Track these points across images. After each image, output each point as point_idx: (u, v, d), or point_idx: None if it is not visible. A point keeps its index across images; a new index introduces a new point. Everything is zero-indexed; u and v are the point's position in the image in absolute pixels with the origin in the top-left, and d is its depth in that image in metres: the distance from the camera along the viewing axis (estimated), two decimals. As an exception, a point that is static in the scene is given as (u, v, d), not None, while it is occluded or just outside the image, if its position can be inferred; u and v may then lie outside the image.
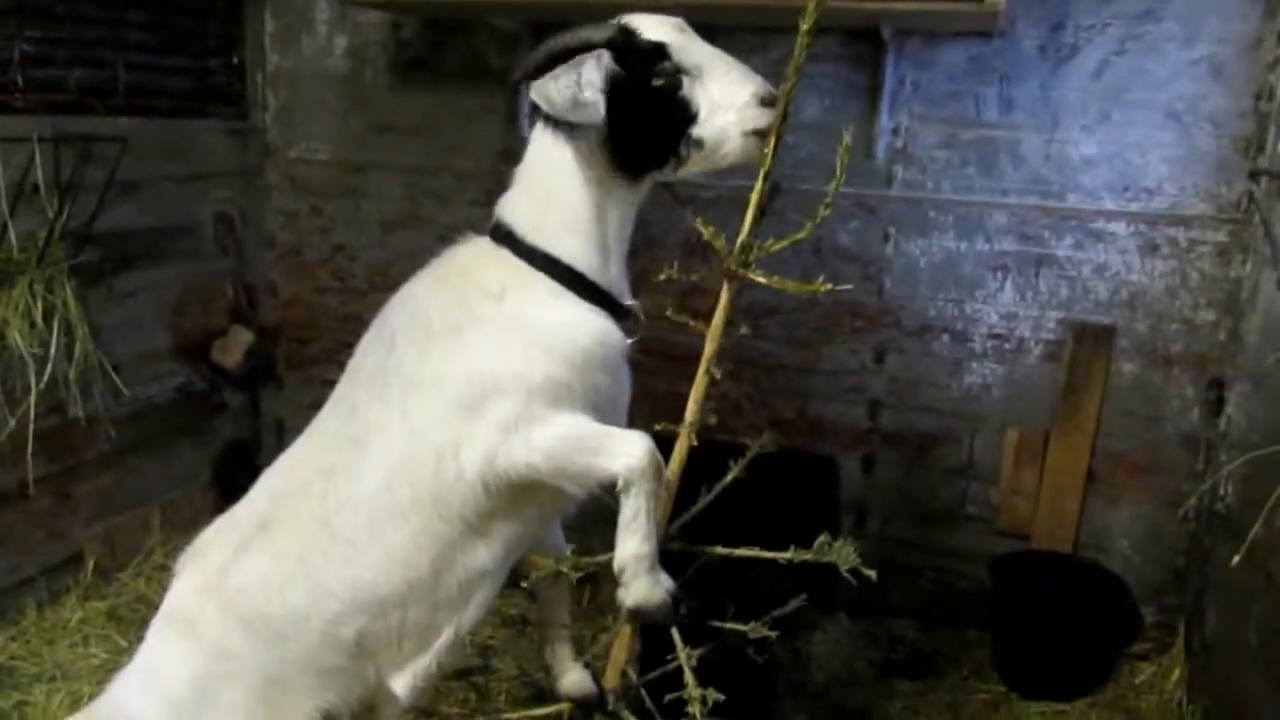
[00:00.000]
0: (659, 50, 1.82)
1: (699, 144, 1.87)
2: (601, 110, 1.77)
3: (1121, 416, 3.66)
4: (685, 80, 1.83)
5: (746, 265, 1.97)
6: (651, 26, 1.85)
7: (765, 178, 1.99)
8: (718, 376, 1.96)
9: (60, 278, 3.47)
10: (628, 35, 1.82)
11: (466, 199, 4.23)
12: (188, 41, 4.07)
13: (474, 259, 1.97)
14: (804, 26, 1.86)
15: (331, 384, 4.53)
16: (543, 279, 1.90)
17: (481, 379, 1.83)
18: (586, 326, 1.89)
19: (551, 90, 1.75)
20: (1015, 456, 3.76)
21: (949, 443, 3.85)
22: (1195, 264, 3.52)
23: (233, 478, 4.49)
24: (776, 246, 1.97)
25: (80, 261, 3.55)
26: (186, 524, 4.23)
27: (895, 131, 3.72)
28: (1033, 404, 3.74)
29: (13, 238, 3.25)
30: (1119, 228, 3.58)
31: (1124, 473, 3.68)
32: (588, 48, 1.79)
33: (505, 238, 1.95)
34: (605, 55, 1.79)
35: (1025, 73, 3.57)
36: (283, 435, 4.70)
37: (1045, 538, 3.74)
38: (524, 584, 2.07)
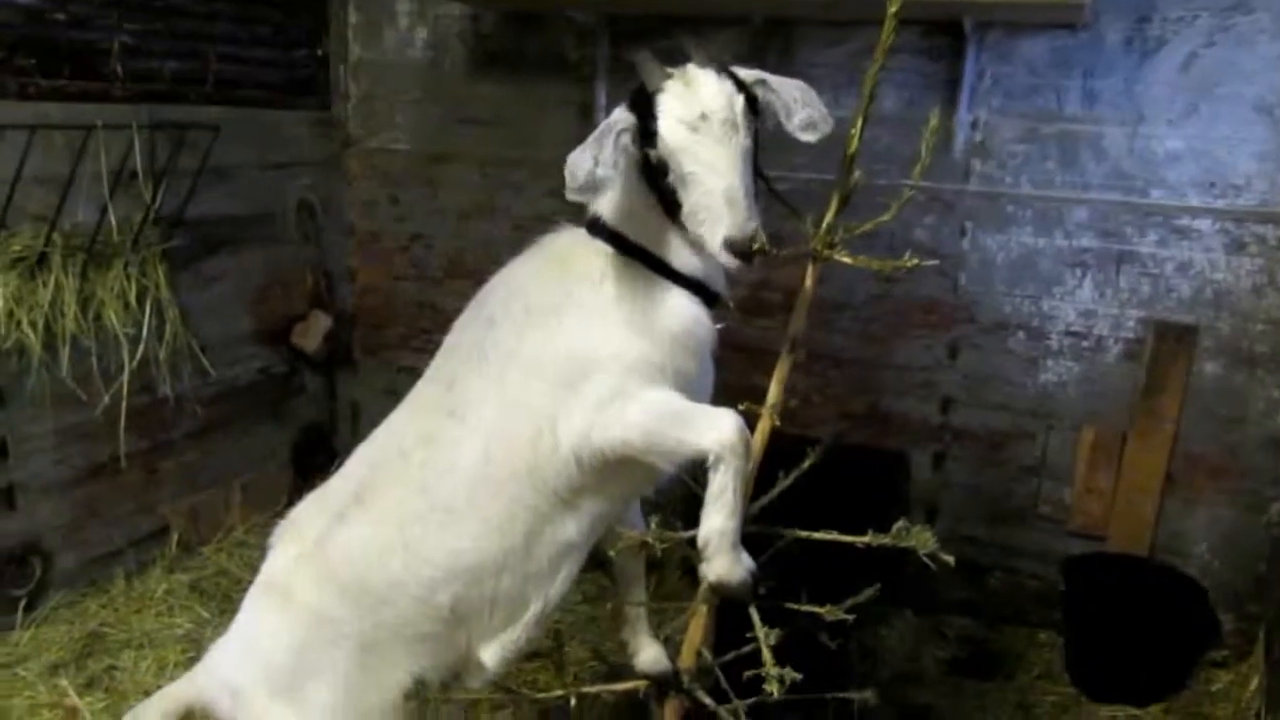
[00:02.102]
0: (652, 139, 1.80)
1: (685, 229, 1.87)
2: (613, 185, 1.78)
3: (1202, 418, 3.58)
4: (672, 176, 1.81)
5: (831, 247, 1.99)
6: (669, 106, 1.79)
7: (851, 161, 2.00)
8: (801, 358, 1.98)
9: (153, 261, 3.61)
10: (646, 115, 1.80)
11: (542, 190, 4.29)
12: (274, 34, 4.20)
13: (573, 247, 2.02)
14: (891, 9, 1.86)
15: (406, 369, 4.68)
16: (638, 267, 1.95)
17: (580, 358, 1.88)
18: (680, 312, 1.93)
19: (576, 166, 1.77)
20: (1091, 456, 3.70)
21: (1022, 440, 3.80)
22: (1284, 262, 3.44)
23: (309, 459, 4.63)
24: (861, 229, 1.99)
25: (172, 246, 3.68)
26: (265, 502, 4.38)
27: (974, 125, 3.68)
28: (1110, 403, 3.68)
29: (113, 220, 3.39)
30: (1204, 225, 3.50)
31: (1203, 475, 3.60)
32: (642, 100, 1.82)
33: (601, 229, 1.99)
34: (631, 129, 1.80)
35: (1109, 66, 3.51)
36: (357, 418, 4.82)
37: (1120, 540, 3.68)
38: (611, 553, 2.11)
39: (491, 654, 2.02)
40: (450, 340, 2.11)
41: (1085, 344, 3.69)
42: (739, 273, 1.85)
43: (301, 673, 1.93)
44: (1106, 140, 3.56)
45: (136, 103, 3.53)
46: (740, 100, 1.81)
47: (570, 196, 1.81)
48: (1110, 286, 3.63)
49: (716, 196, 1.76)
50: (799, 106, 1.91)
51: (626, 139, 1.80)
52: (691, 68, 1.83)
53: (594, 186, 1.76)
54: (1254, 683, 3.41)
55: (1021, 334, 3.75)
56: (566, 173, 1.80)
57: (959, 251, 3.77)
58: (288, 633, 1.95)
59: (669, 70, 1.83)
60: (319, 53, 4.41)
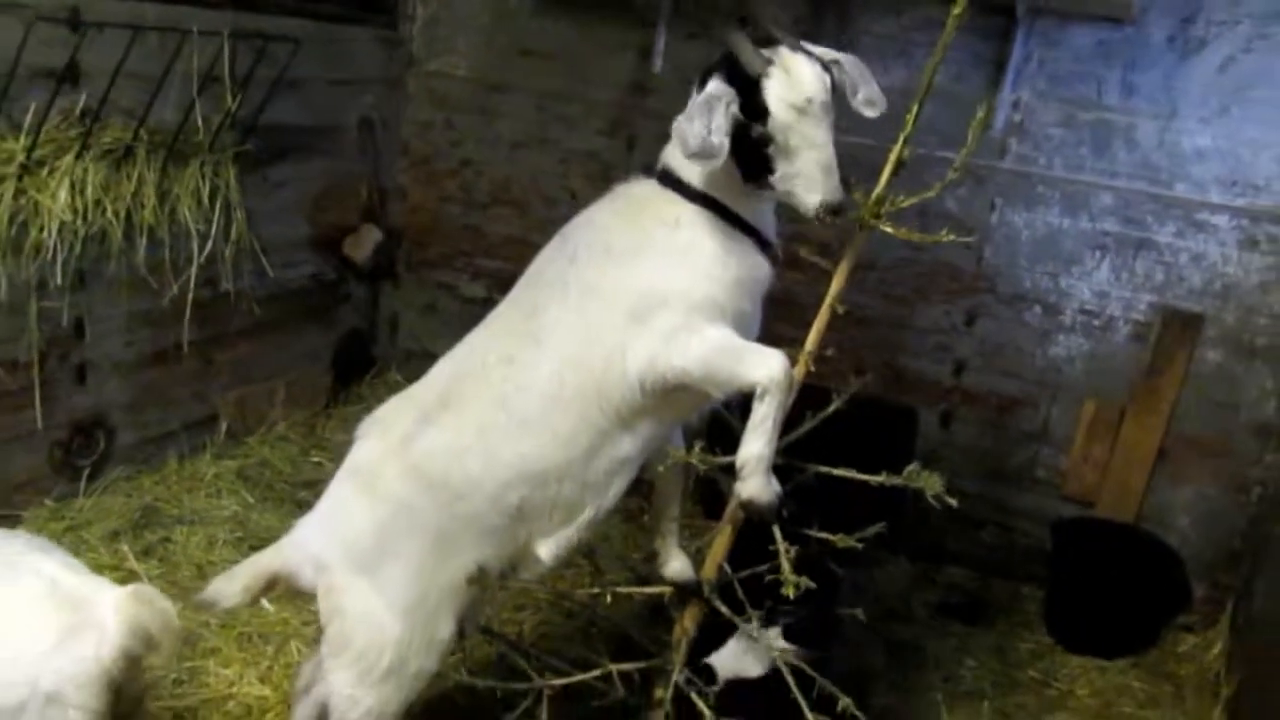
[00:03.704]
0: (764, 114, 2.05)
1: (772, 188, 2.14)
2: (725, 152, 2.04)
3: (1199, 401, 3.82)
4: (773, 147, 2.07)
5: (879, 216, 2.22)
6: (777, 90, 2.04)
7: (905, 141, 2.23)
8: (840, 311, 2.22)
9: (226, 163, 3.81)
10: (753, 90, 2.05)
11: (593, 127, 4.46)
12: (350, -50, 4.34)
13: (649, 196, 2.25)
14: (955, 10, 2.10)
15: (446, 287, 4.88)
16: (708, 215, 2.18)
17: (652, 294, 2.13)
18: (742, 258, 2.19)
19: (688, 133, 2.03)
20: (1090, 427, 3.95)
21: (1027, 407, 4.05)
22: (1292, 263, 3.65)
23: (348, 363, 4.86)
24: (907, 202, 2.24)
25: (244, 150, 3.87)
26: (306, 400, 4.63)
27: (1015, 105, 3.86)
28: (1113, 380, 3.92)
29: (199, 119, 3.57)
30: (1221, 220, 3.70)
31: (1193, 454, 3.85)
32: (738, 71, 2.05)
33: (674, 182, 2.21)
34: (735, 101, 2.05)
35: (1150, 61, 3.68)
36: (395, 329, 5.05)
37: (1109, 507, 3.95)
38: (660, 468, 2.38)
39: (547, 549, 2.28)
40: (532, 271, 2.34)
41: (1096, 322, 3.91)
42: (823, 225, 2.13)
43: (381, 552, 2.17)
44: (1139, 132, 3.75)
45: (224, 9, 3.69)
46: (829, 83, 2.07)
47: (685, 158, 2.07)
48: (1126, 270, 3.84)
49: (816, 167, 2.06)
50: (862, 84, 2.20)
51: (735, 110, 2.04)
52: (786, 53, 2.07)
53: (709, 152, 2.02)
54: (1217, 647, 3.70)
55: (1038, 307, 3.97)
56: (677, 137, 2.06)
57: (987, 224, 3.97)
58: (371, 516, 2.19)
59: (765, 54, 2.06)
60: (391, -28, 4.55)
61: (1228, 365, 3.78)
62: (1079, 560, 3.81)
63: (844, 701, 2.18)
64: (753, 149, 2.09)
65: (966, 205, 3.96)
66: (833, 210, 2.07)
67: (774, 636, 2.41)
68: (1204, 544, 3.88)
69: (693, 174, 2.20)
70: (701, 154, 2.02)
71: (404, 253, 4.97)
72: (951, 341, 4.10)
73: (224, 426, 4.24)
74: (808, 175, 2.07)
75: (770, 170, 2.10)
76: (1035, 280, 3.96)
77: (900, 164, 2.25)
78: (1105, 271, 3.87)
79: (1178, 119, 3.70)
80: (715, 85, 2.06)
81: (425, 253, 4.96)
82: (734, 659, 2.51)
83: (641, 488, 2.48)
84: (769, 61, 2.05)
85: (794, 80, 2.04)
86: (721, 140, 2.01)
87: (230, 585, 2.23)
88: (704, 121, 2.01)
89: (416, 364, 2.35)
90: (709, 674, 2.47)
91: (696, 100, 2.06)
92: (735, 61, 2.07)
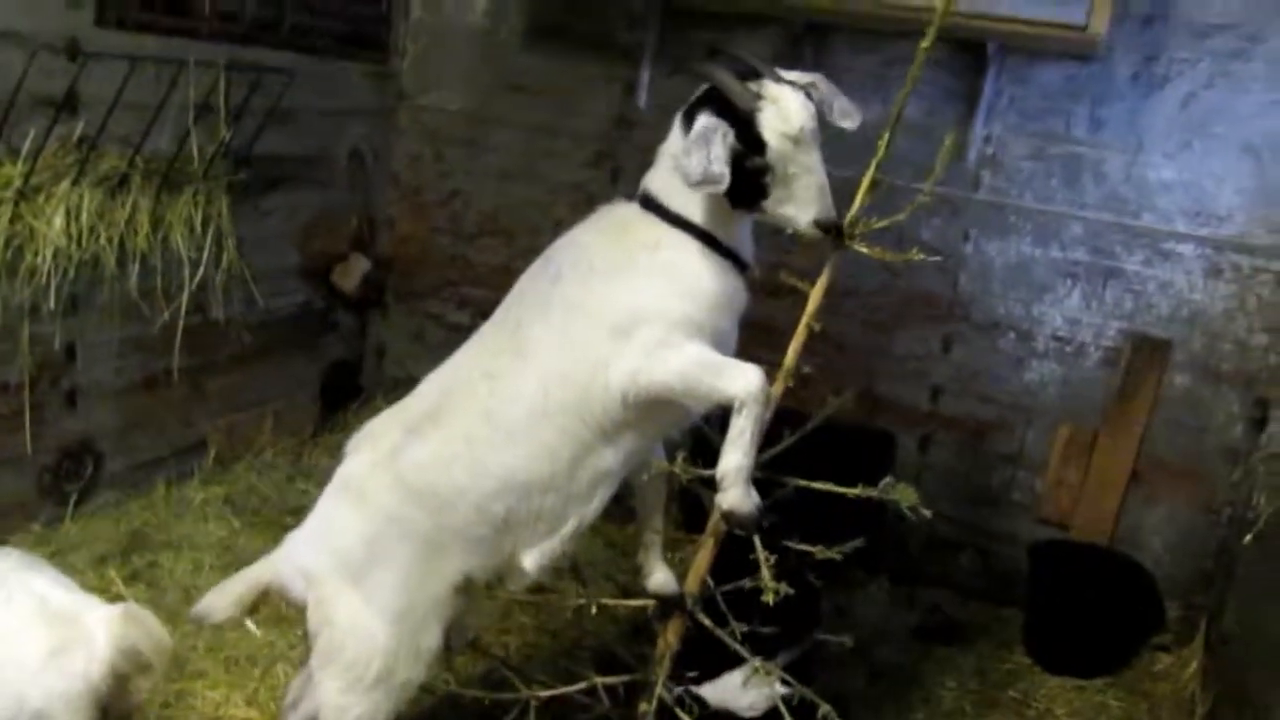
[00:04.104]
0: (761, 147, 2.17)
1: (763, 212, 2.26)
2: (727, 181, 2.15)
3: (1169, 425, 3.92)
4: (770, 175, 2.19)
5: (852, 237, 2.31)
6: (771, 124, 2.16)
7: (877, 165, 2.33)
8: (817, 329, 2.31)
9: (219, 191, 3.88)
10: (747, 124, 2.17)
11: (579, 160, 4.57)
12: (343, -12, 4.46)
13: (631, 218, 2.35)
14: (924, 44, 2.21)
15: (433, 317, 4.95)
16: (687, 238, 2.28)
17: (634, 311, 2.21)
18: (719, 279, 2.28)
19: (689, 166, 2.14)
20: (1064, 451, 4.04)
21: (1003, 432, 4.14)
22: (1255, 290, 3.77)
23: (336, 392, 4.91)
24: (879, 225, 2.33)
25: (237, 179, 3.94)
26: (294, 428, 4.67)
27: (987, 139, 4.00)
28: (1086, 404, 4.02)
29: (194, 149, 3.65)
30: (1187, 249, 3.83)
31: (1165, 476, 3.94)
32: (725, 107, 2.17)
33: (654, 206, 2.31)
34: (730, 133, 2.16)
35: (1116, 97, 3.83)
36: (382, 359, 5.10)
37: (1084, 529, 4.03)
38: (644, 477, 2.46)
39: (532, 560, 2.34)
40: (516, 290, 2.42)
41: (1068, 348, 4.02)
42: (814, 245, 2.27)
43: (370, 562, 2.23)
44: (1107, 165, 3.88)
45: (219, 42, 3.79)
46: (814, 110, 2.20)
47: (689, 188, 2.18)
48: (1096, 298, 3.96)
49: (812, 189, 2.19)
50: (836, 99, 2.33)
51: (731, 141, 2.15)
52: (771, 85, 2.20)
53: (713, 180, 2.13)
54: (1192, 666, 3.77)
55: (1011, 334, 4.07)
56: (680, 171, 2.17)
57: (961, 253, 4.08)
58: (361, 527, 2.24)
59: (751, 88, 2.18)
60: (383, 9, 4.67)
61: (1196, 390, 3.89)
62: (1055, 582, 3.88)
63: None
64: (749, 178, 2.19)
65: (942, 234, 4.08)
66: (827, 228, 2.20)
67: (777, 679, 2.43)
68: (1177, 564, 3.96)
69: (673, 199, 2.30)
70: (705, 183, 2.13)
71: (392, 282, 5.04)
72: (928, 367, 4.20)
73: (212, 453, 4.27)
74: (802, 199, 2.19)
75: (764, 196, 2.21)
76: (1009, 308, 4.07)
77: (874, 185, 2.35)
78: (1076, 299, 3.98)
79: (1143, 152, 3.84)
80: (708, 119, 2.16)
81: (413, 282, 5.03)
82: (729, 694, 2.53)
83: (625, 501, 2.54)
84: (758, 95, 2.17)
85: (784, 112, 2.16)
86: (723, 170, 2.12)
87: (222, 599, 2.28)
88: (703, 154, 2.11)
89: (403, 392, 2.41)
90: (698, 702, 2.49)
91: (691, 135, 2.16)
92: (722, 96, 2.18)
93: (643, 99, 4.37)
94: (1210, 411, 3.87)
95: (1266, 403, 3.75)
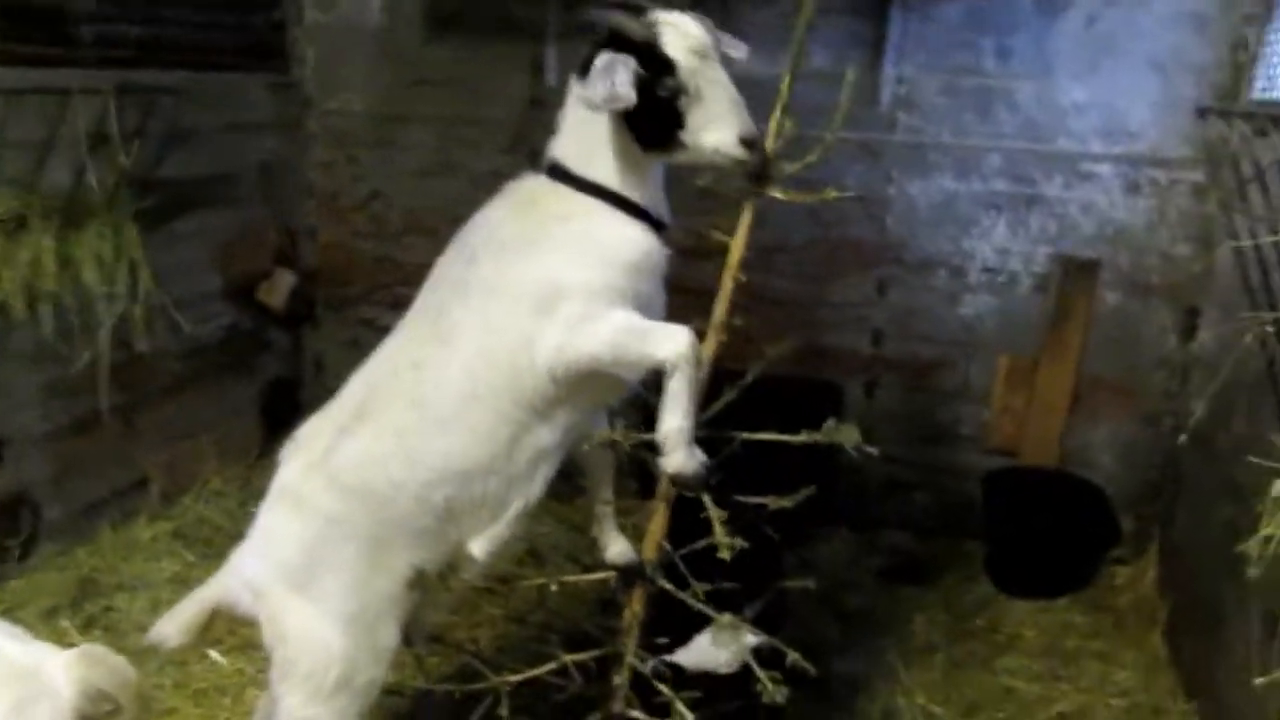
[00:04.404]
0: (669, 66, 2.13)
1: (683, 146, 2.21)
2: (633, 98, 2.10)
3: (1104, 343, 3.99)
4: (683, 98, 2.15)
5: (769, 180, 2.29)
6: (675, 41, 2.14)
7: (784, 110, 2.31)
8: (742, 279, 2.29)
9: (126, 221, 3.76)
10: (650, 47, 2.13)
11: (496, 147, 4.51)
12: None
13: (539, 190, 2.29)
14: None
15: (368, 323, 4.87)
16: (598, 204, 2.23)
17: (552, 285, 2.16)
18: (636, 242, 2.23)
19: (594, 94, 2.09)
20: (1006, 381, 4.09)
21: (945, 369, 4.18)
22: (1174, 202, 3.83)
23: (278, 411, 4.82)
24: (794, 167, 2.30)
25: (144, 207, 3.82)
26: (238, 453, 4.58)
27: (899, 80, 4.00)
28: (1023, 332, 4.07)
29: (93, 181, 3.53)
30: (1104, 169, 3.88)
31: (1105, 394, 4.02)
32: (623, 42, 2.12)
33: (561, 174, 2.26)
34: (632, 61, 2.11)
35: (1020, 25, 3.86)
36: (322, 372, 5.02)
37: (1033, 454, 4.09)
38: (585, 446, 2.41)
39: (480, 547, 2.30)
40: (434, 276, 2.38)
41: (1000, 279, 4.06)
42: (749, 163, 2.18)
43: (315, 568, 2.18)
44: (1018, 94, 3.91)
45: (105, 68, 3.66)
46: None
47: (591, 108, 2.12)
48: (1022, 226, 4.00)
49: (727, 105, 2.14)
50: (718, 33, 2.27)
51: (635, 64, 2.10)
52: (664, 14, 2.16)
53: (615, 100, 2.08)
54: (1149, 576, 3.85)
55: (943, 271, 4.10)
56: (580, 96, 2.12)
57: (886, 196, 4.10)
58: (301, 533, 2.19)
59: (648, 19, 2.14)
60: (275, 17, 4.55)
61: (1127, 306, 3.95)
62: (1011, 509, 3.94)
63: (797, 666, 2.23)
64: (662, 107, 2.14)
65: (864, 180, 4.08)
66: (749, 142, 2.14)
67: (747, 631, 2.43)
68: (1126, 478, 4.03)
69: (580, 165, 2.26)
70: (609, 102, 2.08)
71: (321, 293, 4.95)
72: (866, 314, 4.22)
73: (155, 489, 4.17)
74: (721, 115, 2.14)
75: (681, 125, 2.16)
76: (938, 245, 4.10)
77: (783, 129, 2.32)
78: (1002, 229, 4.02)
79: (1052, 78, 3.87)
80: (606, 55, 2.11)
81: (343, 291, 4.94)
82: (703, 655, 2.52)
83: (573, 476, 2.52)
84: (654, 24, 2.14)
85: (684, 29, 2.14)
86: (628, 90, 2.07)
87: (172, 625, 2.22)
88: (606, 80, 2.07)
89: (346, 402, 2.38)
90: (676, 672, 2.48)
91: (590, 72, 2.10)
92: (620, 36, 2.13)
93: (552, 77, 4.31)
94: (1142, 326, 3.93)
95: (1195, 311, 3.82)
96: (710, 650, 2.50)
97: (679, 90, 2.13)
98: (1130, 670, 3.42)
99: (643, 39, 2.12)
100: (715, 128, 2.15)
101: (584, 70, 2.19)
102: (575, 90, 2.21)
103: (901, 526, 4.26)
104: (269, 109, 4.58)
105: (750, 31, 3.97)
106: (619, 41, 2.13)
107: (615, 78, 2.07)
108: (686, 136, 2.17)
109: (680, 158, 2.25)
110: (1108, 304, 3.95)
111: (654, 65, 2.12)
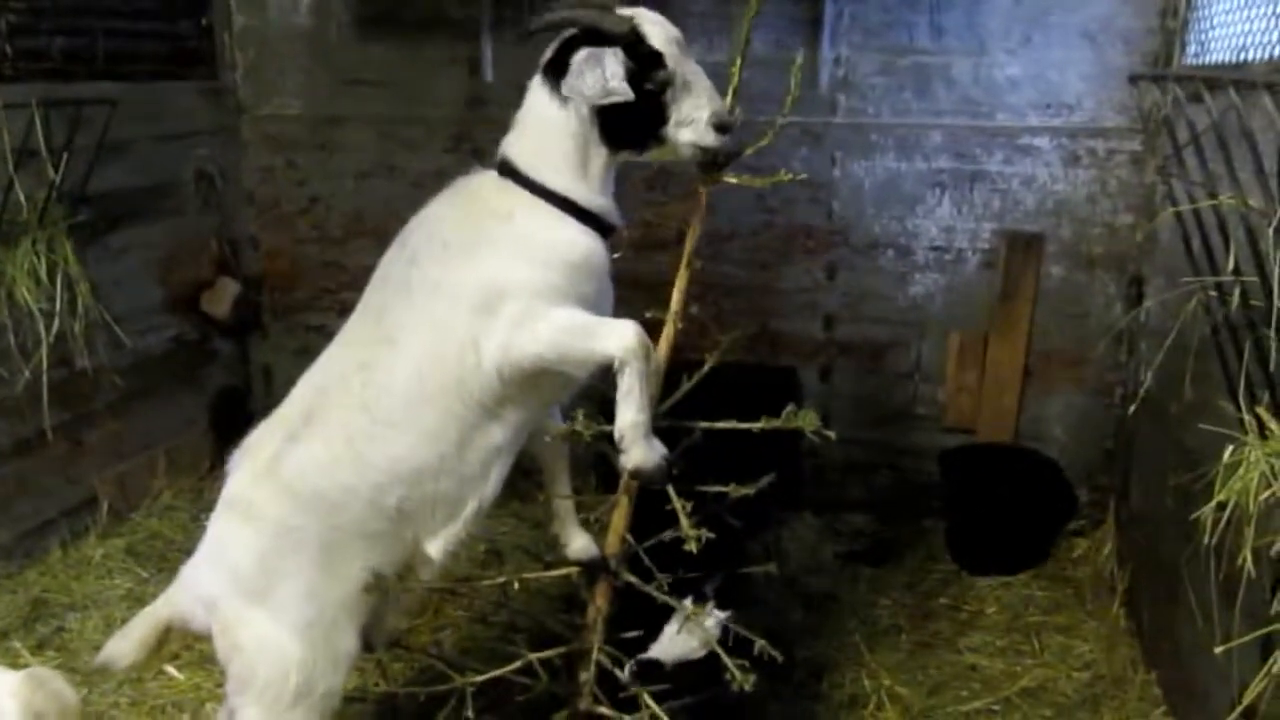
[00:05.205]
0: (658, 59, 2.15)
1: (661, 140, 2.23)
2: (629, 92, 2.11)
3: (1053, 316, 4.03)
4: (670, 90, 2.17)
5: (721, 168, 2.29)
6: (655, 35, 2.16)
7: (734, 94, 2.31)
8: (698, 267, 2.28)
9: (60, 237, 3.66)
10: (638, 39, 2.14)
11: (437, 147, 4.46)
12: (158, 6, 4.25)
13: (484, 188, 2.27)
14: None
15: (316, 329, 4.80)
16: (543, 205, 2.22)
17: (495, 286, 2.14)
18: (579, 244, 2.22)
19: (584, 88, 2.11)
20: (958, 358, 4.12)
21: (898, 349, 4.20)
22: (1114, 172, 3.87)
23: (228, 422, 4.72)
24: (749, 150, 2.30)
25: (77, 221, 3.73)
26: (189, 467, 4.50)
27: (837, 61, 4.01)
28: (972, 309, 4.09)
29: (21, 197, 3.44)
30: (1043, 142, 3.91)
31: (1056, 367, 4.06)
32: (600, 38, 2.12)
33: (510, 172, 2.24)
34: (621, 54, 2.12)
35: (952, 2, 3.87)
36: (271, 381, 4.93)
37: (988, 430, 4.12)
38: (546, 439, 2.42)
39: (436, 548, 2.28)
40: (377, 276, 2.34)
41: (948, 257, 4.08)
42: (724, 150, 2.22)
43: (269, 577, 2.15)
44: (954, 70, 3.93)
45: (29, 81, 3.57)
46: None
47: (584, 100, 2.15)
48: (966, 203, 4.02)
49: (706, 93, 2.19)
50: None
51: (623, 56, 2.11)
52: (626, 10, 2.18)
53: (610, 93, 2.10)
54: (1107, 547, 3.88)
55: (891, 252, 4.12)
56: (570, 89, 2.13)
57: (831, 180, 4.11)
58: (253, 544, 2.16)
59: (619, 14, 2.16)
60: (204, 22, 4.46)
61: (1072, 278, 3.99)
62: (969, 486, 3.96)
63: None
64: (649, 101, 2.15)
65: (808, 164, 4.07)
66: (724, 126, 2.17)
67: (711, 613, 2.42)
68: (1080, 450, 4.08)
69: (531, 165, 2.24)
70: (604, 95, 2.10)
71: (266, 301, 4.87)
72: (817, 298, 4.23)
73: (105, 506, 4.09)
74: (699, 103, 2.16)
75: (665, 119, 2.18)
76: (884, 226, 4.11)
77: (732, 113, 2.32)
78: (947, 207, 4.04)
79: (987, 53, 3.90)
80: (588, 49, 2.11)
81: (288, 297, 4.86)
82: (675, 644, 2.51)
83: (528, 476, 2.50)
84: (630, 18, 2.15)
85: (658, 24, 2.17)
86: (620, 85, 2.09)
87: (124, 644, 2.19)
88: (598, 71, 2.08)
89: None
90: (656, 667, 2.46)
91: (575, 63, 2.10)
92: (594, 31, 2.13)
93: (489, 74, 4.27)
94: (1089, 297, 3.98)
95: (1140, 280, 3.86)
96: (681, 639, 2.49)
97: (667, 83, 2.15)
98: (1091, 642, 3.45)
99: (623, 32, 2.13)
100: (694, 121, 2.18)
101: (552, 67, 2.19)
102: (541, 86, 2.21)
103: (863, 508, 4.28)
104: (202, 117, 4.49)
105: (691, 23, 4.01)
106: (593, 37, 2.13)
107: (607, 69, 2.08)
108: (668, 132, 2.20)
109: (652, 153, 2.27)
110: (1054, 277, 3.99)
111: (641, 59, 2.13)
